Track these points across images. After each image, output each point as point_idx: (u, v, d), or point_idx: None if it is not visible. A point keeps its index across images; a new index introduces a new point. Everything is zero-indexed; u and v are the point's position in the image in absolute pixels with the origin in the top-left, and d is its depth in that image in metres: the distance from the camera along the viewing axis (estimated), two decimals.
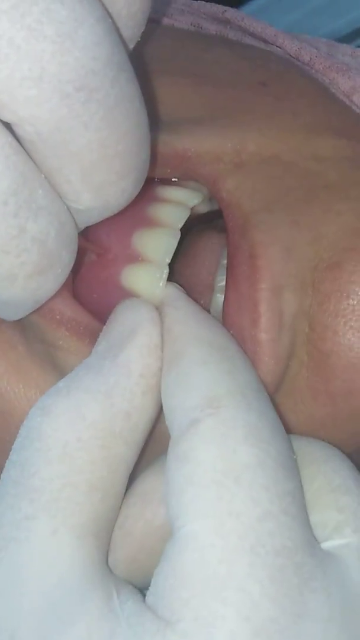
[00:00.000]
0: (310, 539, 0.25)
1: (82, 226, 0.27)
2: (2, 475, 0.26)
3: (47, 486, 0.25)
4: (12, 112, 0.22)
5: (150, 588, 0.25)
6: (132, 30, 0.26)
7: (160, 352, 0.28)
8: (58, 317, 0.31)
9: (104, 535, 0.26)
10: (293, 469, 0.26)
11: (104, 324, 0.30)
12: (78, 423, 0.26)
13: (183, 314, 0.29)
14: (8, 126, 0.23)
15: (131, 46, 0.27)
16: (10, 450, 0.28)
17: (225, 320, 0.30)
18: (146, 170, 0.26)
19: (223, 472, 0.24)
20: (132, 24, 0.26)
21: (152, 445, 0.29)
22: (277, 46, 0.40)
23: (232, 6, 0.43)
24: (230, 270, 0.30)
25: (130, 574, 0.27)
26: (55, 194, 0.25)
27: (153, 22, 0.41)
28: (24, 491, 0.25)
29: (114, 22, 0.24)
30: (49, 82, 0.22)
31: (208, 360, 0.27)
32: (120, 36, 0.25)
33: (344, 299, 0.29)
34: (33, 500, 0.25)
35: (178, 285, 0.31)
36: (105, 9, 0.24)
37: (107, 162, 0.24)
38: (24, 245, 0.24)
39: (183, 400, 0.26)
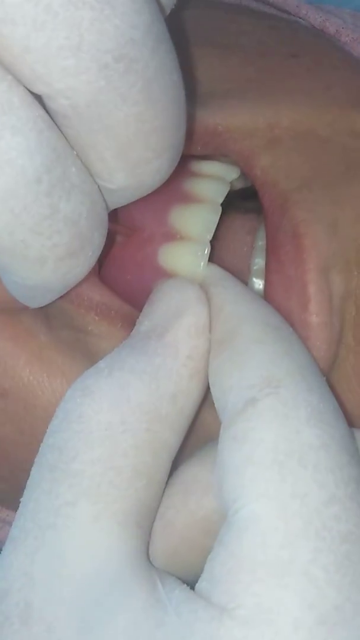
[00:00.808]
0: None
1: (112, 207, 0.26)
2: (36, 459, 0.25)
3: (88, 470, 0.24)
4: (47, 84, 0.21)
5: (203, 574, 0.24)
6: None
7: (209, 334, 0.27)
8: (87, 302, 0.30)
9: (146, 525, 0.25)
10: (356, 455, 0.25)
11: (137, 306, 0.29)
12: (122, 404, 0.25)
13: (233, 293, 0.28)
14: (39, 99, 0.22)
15: (167, 13, 0.25)
16: (34, 441, 0.26)
17: (270, 304, 0.29)
18: (181, 148, 0.25)
19: (286, 452, 0.23)
20: None
21: (191, 436, 0.28)
22: (300, 17, 0.39)
23: None
24: (271, 251, 0.29)
25: (170, 567, 0.26)
26: (88, 173, 0.23)
27: None
28: (62, 476, 0.24)
29: None
30: (87, 52, 0.21)
31: (264, 339, 0.26)
32: (159, 3, 0.24)
33: None
34: (73, 485, 0.24)
35: (219, 266, 0.29)
36: None
37: (143, 138, 0.23)
38: (56, 226, 0.23)
39: (239, 380, 0.25)
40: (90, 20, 0.20)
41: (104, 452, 0.24)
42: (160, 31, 0.22)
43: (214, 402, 0.26)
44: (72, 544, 0.24)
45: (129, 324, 0.29)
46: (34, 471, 0.25)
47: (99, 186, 0.24)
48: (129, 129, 0.22)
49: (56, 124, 0.22)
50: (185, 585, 0.24)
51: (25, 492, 0.25)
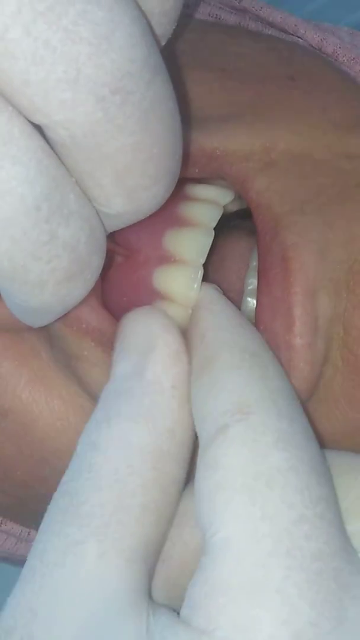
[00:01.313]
0: (347, 546, 0.24)
1: (110, 230, 0.26)
2: (49, 506, 0.26)
3: (97, 512, 0.25)
4: (46, 116, 0.21)
5: (184, 602, 0.24)
6: (164, 27, 0.25)
7: (185, 357, 0.28)
8: (84, 326, 0.30)
9: (152, 561, 0.26)
10: (326, 475, 0.25)
11: None
12: (127, 450, 0.26)
13: (218, 319, 0.28)
14: (39, 128, 0.22)
15: (162, 43, 0.26)
16: (33, 460, 0.27)
17: (258, 325, 0.29)
18: (178, 173, 0.25)
19: (254, 476, 0.24)
20: (165, 21, 0.25)
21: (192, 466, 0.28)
22: (298, 36, 0.39)
23: None
24: (262, 273, 0.29)
25: (172, 597, 0.27)
26: (86, 199, 0.24)
27: None
28: (72, 518, 0.25)
29: (148, 22, 0.23)
30: (84, 85, 0.21)
31: (240, 365, 0.26)
32: (155, 35, 0.24)
33: None
34: (82, 526, 0.24)
35: (215, 286, 0.30)
36: (140, 8, 0.23)
37: (140, 165, 0.23)
38: (55, 251, 0.23)
39: (213, 407, 0.26)
40: (87, 55, 0.21)
41: (113, 494, 0.25)
42: (156, 63, 0.23)
43: (196, 427, 0.27)
44: (76, 580, 0.24)
45: None
46: (46, 516, 0.26)
47: (97, 211, 0.24)
48: (126, 158, 0.23)
49: (55, 152, 0.23)
50: (174, 613, 0.24)
51: (37, 535, 0.26)
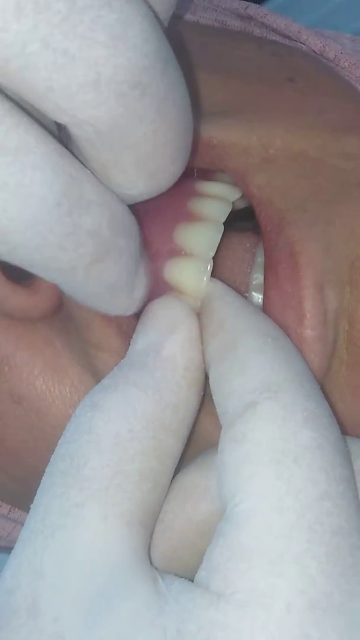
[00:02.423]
0: None
1: (128, 203, 0.27)
2: (47, 469, 0.27)
3: (97, 475, 0.25)
4: (71, 117, 0.23)
5: (202, 565, 0.25)
6: (164, 13, 0.26)
7: (201, 346, 0.29)
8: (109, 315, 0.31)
9: (150, 526, 0.27)
10: (348, 456, 0.26)
11: None
12: (129, 415, 0.26)
13: (234, 307, 0.29)
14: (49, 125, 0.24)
15: (166, 24, 0.27)
16: (45, 447, 0.28)
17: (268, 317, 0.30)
18: (190, 149, 0.27)
19: (283, 452, 0.25)
20: (163, 9, 0.26)
21: (190, 443, 0.29)
22: (301, 42, 0.41)
23: (253, 1, 0.43)
24: (269, 268, 0.31)
25: (169, 569, 0.28)
26: (103, 186, 0.25)
27: (177, 18, 0.41)
28: (73, 481, 0.25)
29: (154, 12, 0.24)
30: (105, 85, 0.22)
31: (264, 349, 0.27)
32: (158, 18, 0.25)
33: None
34: (83, 488, 0.25)
35: (220, 281, 0.31)
36: (147, 2, 0.24)
37: (160, 149, 0.25)
38: (80, 240, 0.24)
39: (240, 385, 0.27)
40: (105, 57, 0.22)
41: (113, 458, 0.26)
42: (166, 52, 0.24)
43: (216, 407, 0.28)
44: (80, 541, 0.25)
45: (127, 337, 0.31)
46: (45, 478, 0.26)
47: (120, 194, 0.26)
48: (148, 144, 0.24)
49: (78, 146, 0.24)
50: (184, 579, 0.25)
51: (36, 497, 0.26)
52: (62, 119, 0.23)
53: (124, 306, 0.28)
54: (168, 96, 0.24)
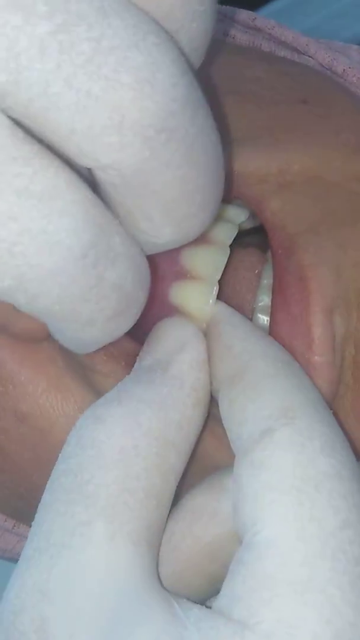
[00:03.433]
0: None
1: (150, 253, 0.27)
2: (48, 484, 0.26)
3: (103, 492, 0.25)
4: (94, 160, 0.22)
5: (222, 592, 0.25)
6: (197, 56, 0.26)
7: (208, 367, 0.29)
8: None
9: (156, 546, 0.27)
10: None
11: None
12: (134, 430, 0.26)
13: (242, 331, 0.29)
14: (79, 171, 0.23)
15: (196, 68, 0.27)
16: (49, 464, 0.27)
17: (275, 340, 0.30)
18: (221, 198, 0.26)
19: (302, 479, 0.25)
20: (192, 58, 0.25)
21: (193, 463, 0.29)
22: (309, 56, 0.40)
23: (252, 8, 0.43)
24: (278, 291, 0.30)
25: (174, 590, 0.27)
26: (131, 239, 0.24)
27: None
28: (78, 497, 0.25)
29: (186, 59, 0.24)
30: (130, 128, 0.22)
31: (276, 374, 0.27)
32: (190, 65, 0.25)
33: None
34: (88, 506, 0.25)
35: (226, 304, 0.31)
36: (179, 48, 0.23)
37: (188, 196, 0.24)
38: (103, 293, 0.24)
39: (254, 411, 0.26)
40: (130, 100, 0.21)
41: (118, 474, 0.25)
42: (197, 98, 0.23)
43: (227, 432, 0.28)
44: (88, 561, 0.24)
45: (131, 362, 0.31)
46: (46, 494, 0.26)
47: (146, 242, 0.25)
48: (174, 191, 0.23)
49: (100, 196, 0.23)
50: (200, 605, 0.25)
51: (38, 514, 0.26)
52: (86, 162, 0.22)
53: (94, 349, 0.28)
54: (197, 142, 0.23)
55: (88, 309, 0.24)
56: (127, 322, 0.26)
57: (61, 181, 0.22)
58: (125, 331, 0.26)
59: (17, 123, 0.21)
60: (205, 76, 0.34)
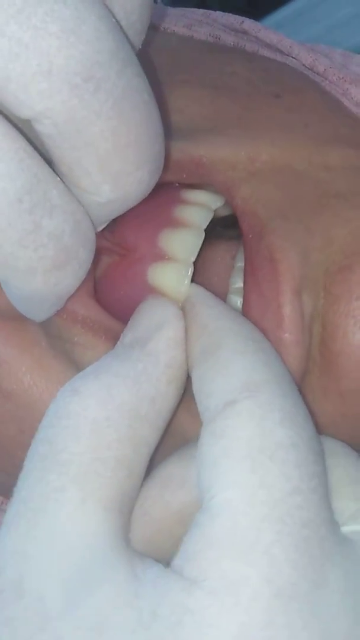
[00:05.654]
0: (332, 519, 0.27)
1: (106, 220, 0.28)
2: (29, 452, 0.28)
3: (75, 460, 0.26)
4: (29, 108, 0.24)
5: (178, 553, 0.26)
6: (132, 39, 0.28)
7: (184, 347, 0.30)
8: (72, 315, 0.33)
9: (127, 512, 0.28)
10: (321, 455, 0.28)
11: (125, 321, 0.32)
12: (108, 403, 0.27)
13: (216, 311, 0.30)
14: (20, 129, 0.25)
15: (137, 49, 0.28)
16: (32, 440, 0.29)
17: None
18: (162, 162, 0.28)
19: (259, 448, 0.26)
20: (131, 33, 0.27)
21: (168, 437, 0.30)
22: (292, 57, 0.42)
23: (253, 18, 0.45)
24: (249, 273, 0.32)
25: (147, 553, 0.28)
26: (70, 194, 0.26)
27: (172, 33, 0.42)
28: (52, 465, 0.26)
29: (119, 25, 0.26)
30: (57, 75, 0.23)
31: (245, 350, 0.28)
32: (126, 37, 0.27)
33: (353, 300, 0.31)
34: (62, 473, 0.26)
35: (201, 286, 0.32)
36: (107, 9, 0.25)
37: (121, 151, 0.26)
38: (40, 241, 0.25)
39: (221, 384, 0.28)
40: (57, 48, 0.23)
41: (90, 444, 0.27)
42: (126, 56, 0.25)
43: (197, 404, 0.29)
44: (61, 524, 0.26)
45: (113, 336, 0.32)
46: (26, 462, 0.27)
47: (90, 202, 0.27)
48: (107, 143, 0.25)
49: (41, 152, 0.25)
50: (161, 564, 0.26)
51: (19, 480, 0.27)
52: (24, 112, 0.24)
53: (46, 315, 0.29)
54: (127, 97, 0.25)
55: (26, 255, 0.25)
56: (68, 279, 0.27)
57: None
58: (70, 290, 0.27)
59: None
60: (183, 69, 0.36)
